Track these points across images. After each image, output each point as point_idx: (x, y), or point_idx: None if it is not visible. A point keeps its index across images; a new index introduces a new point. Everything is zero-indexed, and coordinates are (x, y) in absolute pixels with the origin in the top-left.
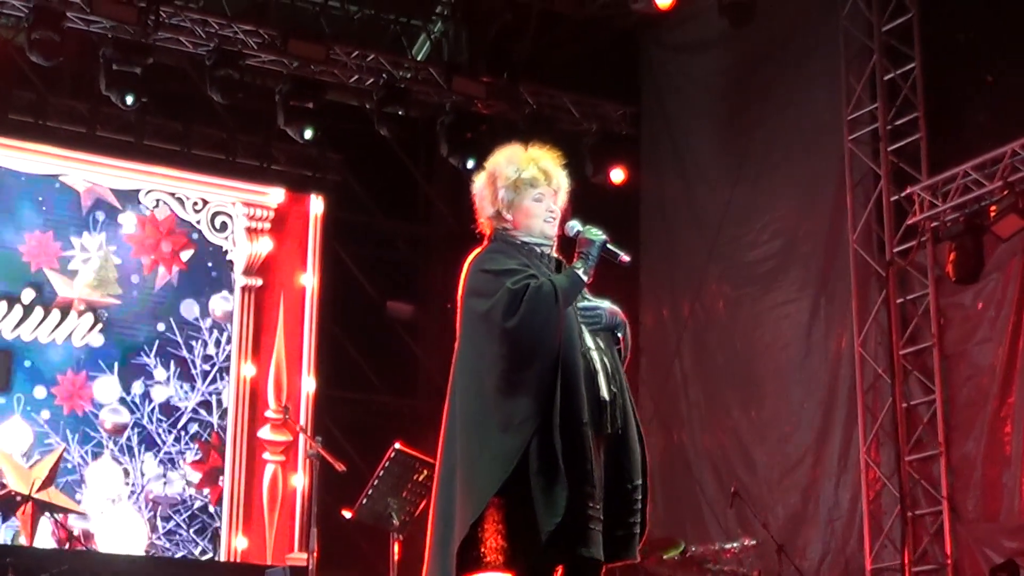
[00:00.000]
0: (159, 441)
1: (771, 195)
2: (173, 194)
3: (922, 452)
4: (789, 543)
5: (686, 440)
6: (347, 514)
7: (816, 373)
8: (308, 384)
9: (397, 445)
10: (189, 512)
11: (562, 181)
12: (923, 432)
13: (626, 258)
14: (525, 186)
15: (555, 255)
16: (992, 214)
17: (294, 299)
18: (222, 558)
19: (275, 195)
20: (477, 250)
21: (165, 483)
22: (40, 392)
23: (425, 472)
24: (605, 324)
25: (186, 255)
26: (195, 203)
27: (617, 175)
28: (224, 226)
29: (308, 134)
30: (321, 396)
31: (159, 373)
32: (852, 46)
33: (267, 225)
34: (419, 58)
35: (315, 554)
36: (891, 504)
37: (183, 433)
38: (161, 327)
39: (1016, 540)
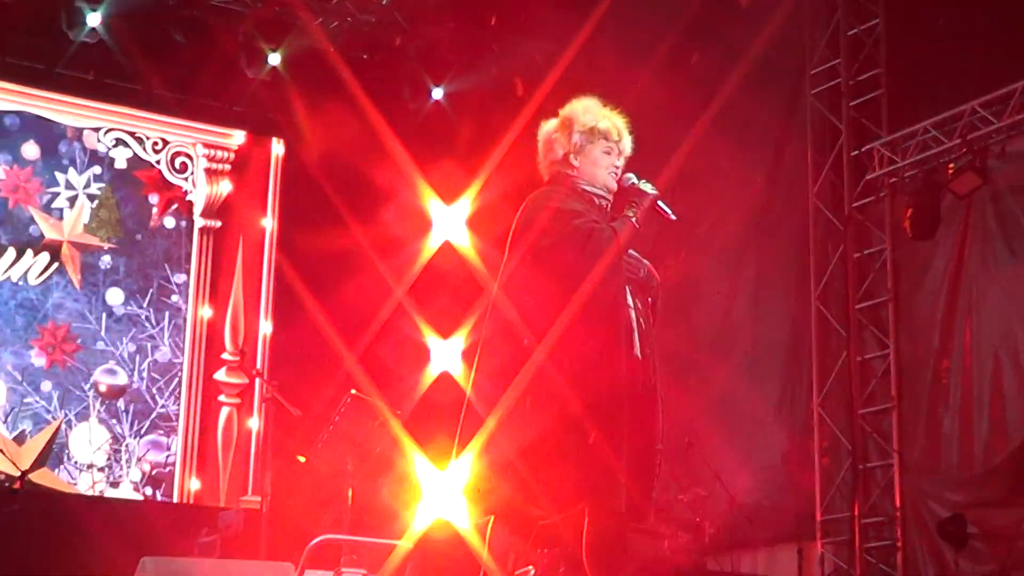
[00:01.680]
0: (152, 403)
1: (727, 152)
2: (132, 133)
3: (875, 405)
4: (740, 494)
5: None
6: (302, 459)
7: (767, 326)
8: (265, 327)
9: (353, 391)
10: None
11: (628, 145)
12: (876, 386)
13: (673, 216)
14: (599, 136)
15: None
16: (950, 171)
17: (253, 242)
18: (175, 499)
19: (237, 137)
20: (538, 191)
21: (165, 455)
22: (16, 344)
23: (379, 419)
24: (643, 275)
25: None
26: (155, 143)
27: None
28: (184, 167)
29: (274, 59)
30: (278, 339)
31: (153, 326)
32: (815, 1)
33: (227, 167)
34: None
35: (268, 497)
36: (843, 457)
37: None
38: (159, 274)
39: (959, 493)
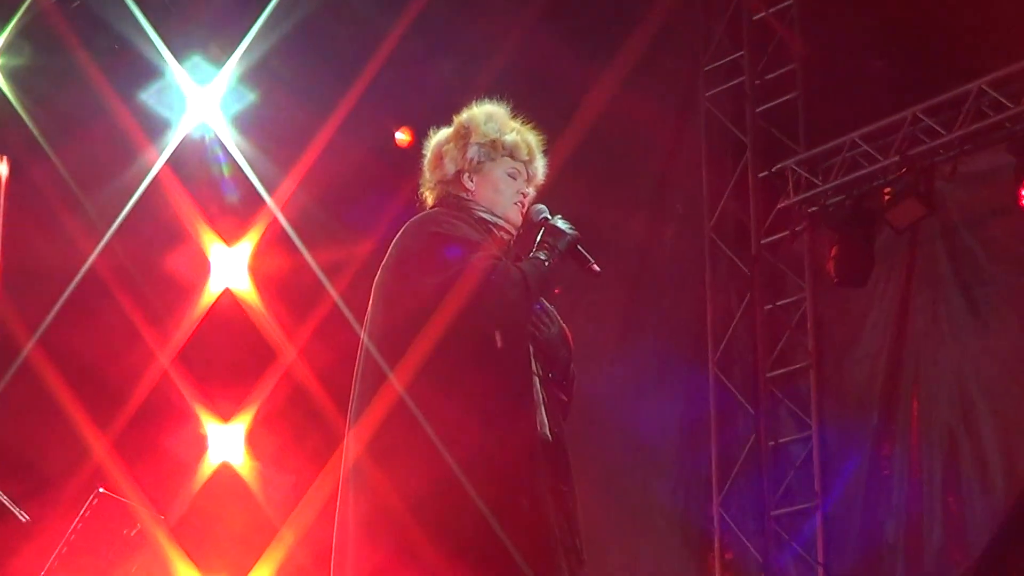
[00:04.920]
0: None
1: (599, 177)
2: None
3: (792, 505)
4: None
5: None
6: None
7: (655, 402)
8: None
9: (101, 489)
10: None
11: (540, 169)
12: (793, 480)
13: (597, 268)
14: (502, 152)
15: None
16: (886, 197)
17: None
18: None
19: None
20: (420, 215)
21: None
22: None
23: (137, 526)
24: (554, 333)
25: None
26: None
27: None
28: None
29: None
30: (2, 418)
31: None
32: None
33: None
34: None
35: None
36: (752, 571)
37: None
38: None
39: None
